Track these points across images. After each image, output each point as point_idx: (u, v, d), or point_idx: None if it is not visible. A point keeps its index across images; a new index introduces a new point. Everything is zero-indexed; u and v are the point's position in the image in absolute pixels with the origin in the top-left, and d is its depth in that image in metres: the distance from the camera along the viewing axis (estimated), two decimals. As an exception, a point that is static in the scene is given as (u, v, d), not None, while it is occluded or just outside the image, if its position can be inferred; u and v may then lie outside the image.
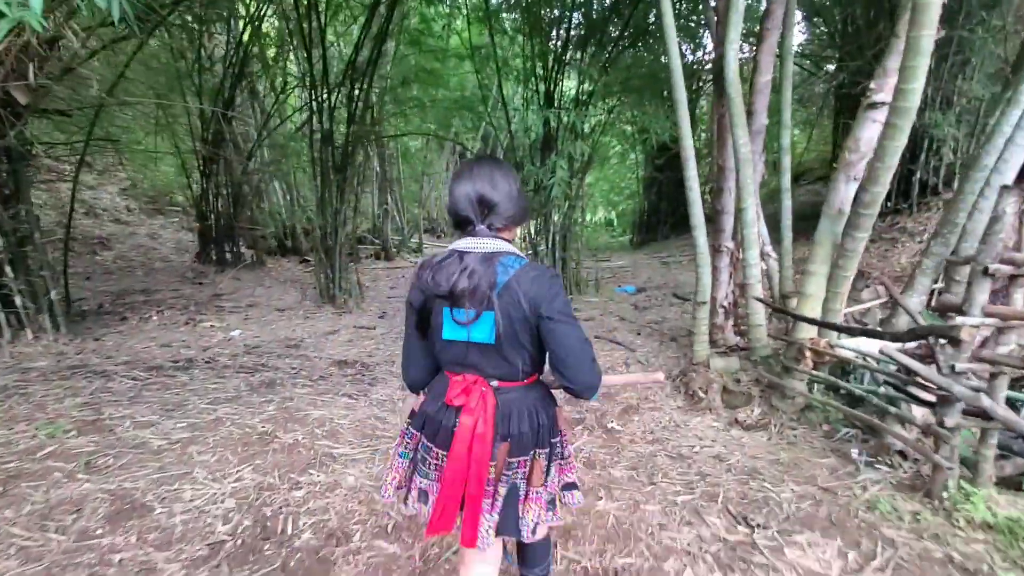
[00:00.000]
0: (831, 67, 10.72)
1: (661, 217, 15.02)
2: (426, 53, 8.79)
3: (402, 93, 8.56)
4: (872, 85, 3.19)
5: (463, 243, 1.25)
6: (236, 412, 3.53)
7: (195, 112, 9.17)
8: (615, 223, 20.57)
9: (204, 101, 9.07)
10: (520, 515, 1.34)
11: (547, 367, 1.36)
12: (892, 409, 2.97)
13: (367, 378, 4.96)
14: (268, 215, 11.23)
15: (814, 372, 3.56)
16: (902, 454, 2.89)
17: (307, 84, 7.59)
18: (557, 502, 1.42)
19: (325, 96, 7.51)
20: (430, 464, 1.37)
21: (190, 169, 9.59)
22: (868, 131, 3.24)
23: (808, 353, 3.53)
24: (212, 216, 9.69)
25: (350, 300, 7.86)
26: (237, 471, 2.80)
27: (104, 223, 10.51)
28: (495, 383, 1.30)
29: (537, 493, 1.34)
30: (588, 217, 10.44)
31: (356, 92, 7.57)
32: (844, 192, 3.35)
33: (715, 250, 5.22)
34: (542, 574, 1.63)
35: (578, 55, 8.26)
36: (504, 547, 1.54)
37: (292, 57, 8.97)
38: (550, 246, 8.31)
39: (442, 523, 1.28)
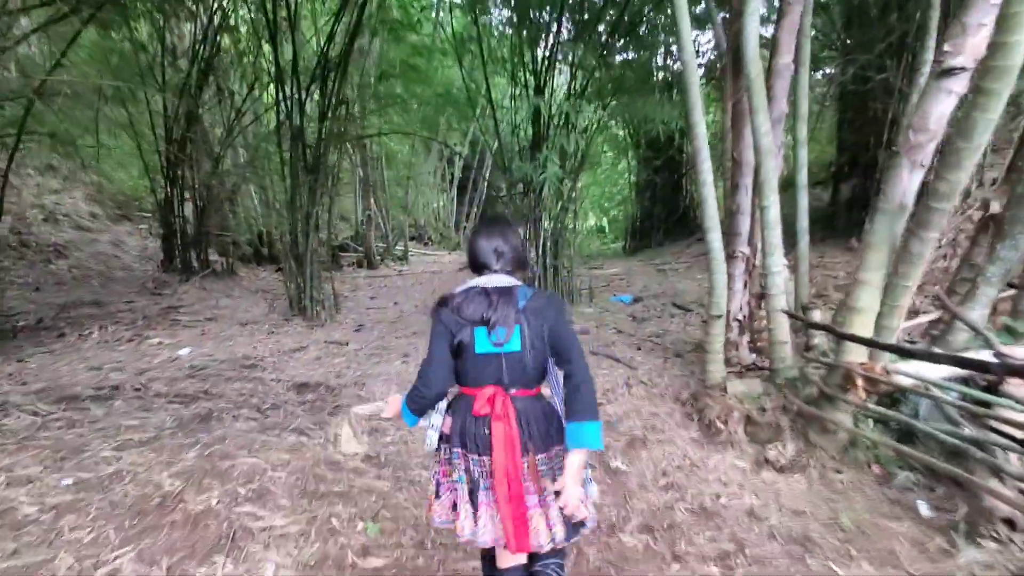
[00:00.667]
0: (829, 70, 10.14)
1: (655, 222, 14.33)
2: (406, 47, 8.05)
3: (383, 89, 7.79)
4: (946, 47, 2.49)
5: (483, 280, 1.54)
6: (144, 461, 2.73)
7: (159, 108, 8.37)
8: (606, 229, 19.90)
9: (169, 97, 8.26)
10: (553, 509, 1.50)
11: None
12: (985, 457, 2.24)
13: (329, 405, 4.17)
14: (242, 220, 10.41)
15: (871, 406, 2.83)
16: (1010, 523, 2.16)
17: (273, 76, 6.81)
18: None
19: (295, 91, 6.74)
20: (484, 475, 1.49)
21: (154, 171, 8.75)
22: (940, 105, 2.54)
23: (860, 381, 2.80)
24: (178, 221, 8.86)
25: (323, 312, 7.05)
26: (115, 557, 2.01)
27: (63, 229, 9.63)
28: (513, 391, 1.50)
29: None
30: (579, 224, 9.68)
31: (329, 86, 6.80)
32: (907, 182, 2.65)
33: (729, 256, 4.50)
34: (558, 565, 1.60)
35: (570, 50, 7.59)
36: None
37: (265, 50, 8.17)
38: (540, 253, 7.56)
39: (520, 537, 1.42)
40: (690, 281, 9.23)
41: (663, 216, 14.19)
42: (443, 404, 1.61)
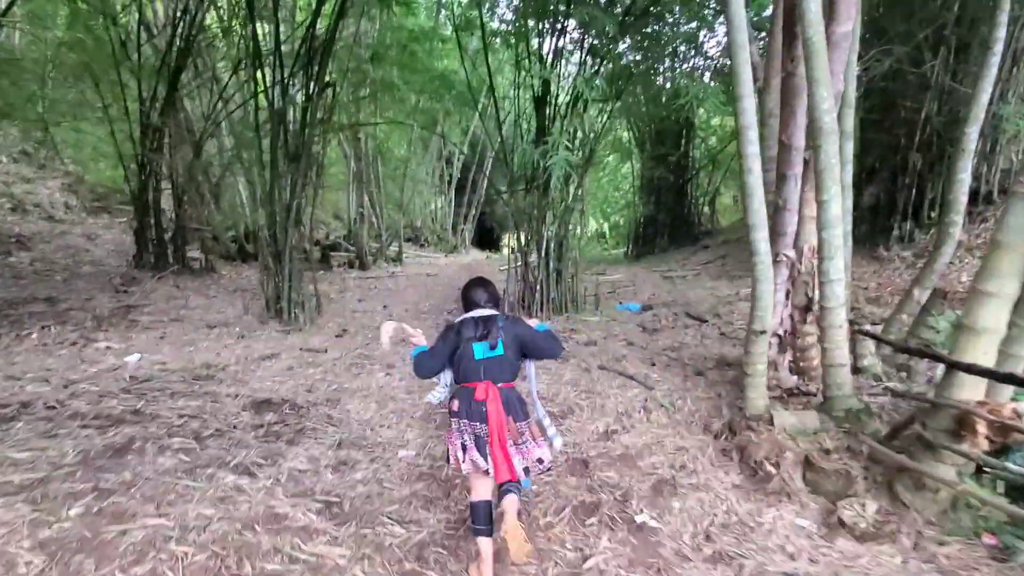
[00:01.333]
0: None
1: (658, 228, 13.59)
2: (402, 31, 7.31)
3: (379, 75, 6.99)
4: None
5: (476, 313, 2.34)
6: (8, 521, 1.94)
7: (134, 91, 7.60)
8: (607, 235, 19.17)
9: (144, 79, 7.50)
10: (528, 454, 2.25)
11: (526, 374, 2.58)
12: None
13: (290, 430, 3.39)
14: (227, 214, 9.60)
15: (990, 459, 2.06)
16: None
17: (253, 55, 6.03)
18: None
19: (277, 72, 5.98)
20: (477, 436, 2.17)
21: (129, 159, 7.95)
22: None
23: (982, 426, 2.03)
24: (153, 213, 8.06)
25: (302, 315, 6.27)
26: None
27: (32, 220, 8.83)
28: (499, 385, 2.23)
29: (538, 443, 2.29)
30: (584, 227, 8.83)
31: (314, 68, 6.04)
32: (1063, 158, 1.90)
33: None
34: (516, 487, 2.20)
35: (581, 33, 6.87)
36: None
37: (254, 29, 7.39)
38: (543, 255, 6.79)
39: (500, 471, 2.15)
40: (701, 290, 8.47)
41: (667, 221, 13.46)
42: (448, 379, 2.38)
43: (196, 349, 5.08)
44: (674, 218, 13.59)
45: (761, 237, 3.19)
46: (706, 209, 14.19)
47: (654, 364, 5.08)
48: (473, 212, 17.11)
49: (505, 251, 19.22)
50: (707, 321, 6.54)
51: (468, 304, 2.41)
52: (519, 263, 7.19)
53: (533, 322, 2.47)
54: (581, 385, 4.53)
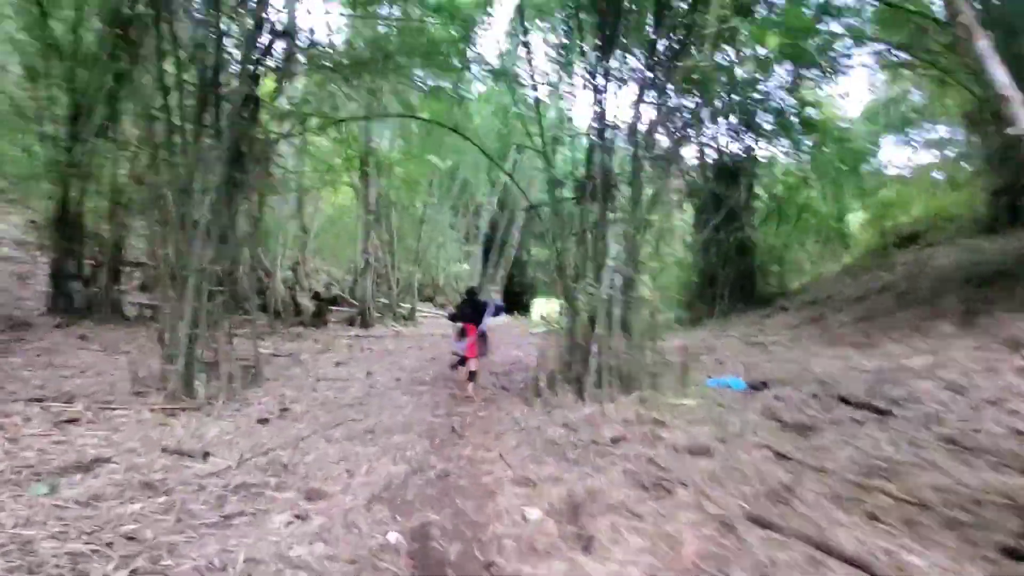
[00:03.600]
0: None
1: (718, 289, 10.75)
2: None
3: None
4: None
5: (473, 300, 5.58)
6: None
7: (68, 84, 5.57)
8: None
9: (77, 74, 5.49)
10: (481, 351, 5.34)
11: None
12: None
13: None
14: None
15: None
16: None
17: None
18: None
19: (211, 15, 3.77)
20: (462, 344, 5.13)
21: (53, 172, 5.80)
22: None
23: None
24: (75, 246, 5.79)
25: (206, 387, 3.62)
26: None
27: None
28: (475, 327, 5.13)
29: (481, 351, 5.29)
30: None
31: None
32: None
33: None
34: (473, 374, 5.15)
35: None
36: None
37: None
38: (604, 300, 4.10)
39: (470, 353, 5.01)
40: (824, 359, 5.48)
41: (731, 278, 10.64)
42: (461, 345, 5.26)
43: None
44: (737, 277, 10.79)
45: None
46: (775, 267, 11.39)
47: (875, 517, 2.19)
48: (501, 272, 14.68)
49: (534, 316, 16.49)
50: (890, 412, 3.61)
51: (469, 297, 5.40)
52: (562, 317, 4.52)
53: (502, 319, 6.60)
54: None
